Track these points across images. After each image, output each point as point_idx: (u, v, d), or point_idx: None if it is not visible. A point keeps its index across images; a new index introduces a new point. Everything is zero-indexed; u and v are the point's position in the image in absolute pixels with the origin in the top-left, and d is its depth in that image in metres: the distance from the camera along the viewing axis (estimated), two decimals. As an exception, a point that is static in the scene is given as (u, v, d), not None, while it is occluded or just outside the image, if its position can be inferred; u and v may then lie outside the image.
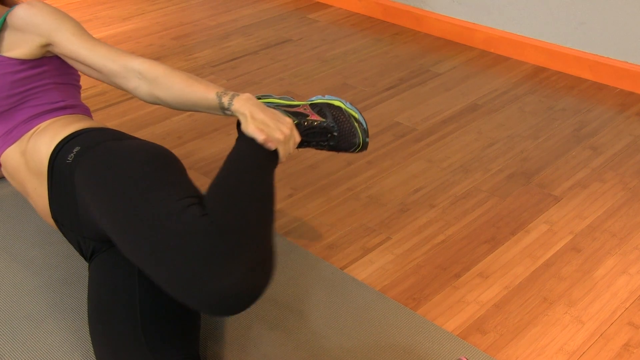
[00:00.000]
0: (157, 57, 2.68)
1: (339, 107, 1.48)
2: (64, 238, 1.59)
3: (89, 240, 1.34)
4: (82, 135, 1.38)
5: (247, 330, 1.38)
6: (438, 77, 2.50)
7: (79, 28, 1.44)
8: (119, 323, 1.17)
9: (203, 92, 1.33)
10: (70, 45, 1.42)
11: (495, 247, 1.63)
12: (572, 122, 2.18)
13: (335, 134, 1.47)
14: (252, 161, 1.25)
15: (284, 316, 1.42)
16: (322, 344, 1.35)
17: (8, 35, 1.43)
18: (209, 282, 1.00)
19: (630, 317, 1.43)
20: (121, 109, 2.29)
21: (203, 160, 2.00)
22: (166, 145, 2.07)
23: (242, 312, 1.43)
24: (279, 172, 1.94)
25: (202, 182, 1.88)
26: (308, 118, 1.45)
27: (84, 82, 2.49)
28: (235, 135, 2.13)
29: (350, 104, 1.51)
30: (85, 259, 1.39)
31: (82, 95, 2.40)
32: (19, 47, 1.42)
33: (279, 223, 1.72)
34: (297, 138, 1.36)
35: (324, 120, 1.45)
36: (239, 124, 1.46)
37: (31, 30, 1.41)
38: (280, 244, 1.64)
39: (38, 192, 1.42)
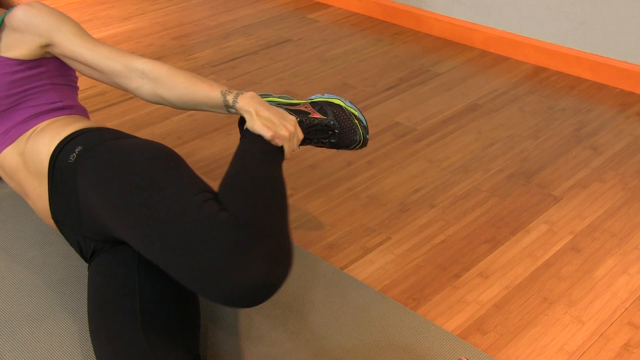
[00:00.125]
0: (157, 57, 2.68)
1: (339, 105, 1.50)
2: (64, 238, 1.59)
3: (89, 241, 1.34)
4: (83, 135, 1.38)
5: (247, 331, 1.38)
6: (438, 77, 2.50)
7: (79, 28, 1.45)
8: (120, 323, 1.17)
9: (207, 91, 1.35)
10: (71, 45, 1.42)
11: (495, 247, 1.63)
12: (572, 122, 2.18)
13: (337, 131, 1.49)
14: (261, 157, 1.28)
15: (284, 316, 1.42)
16: (322, 344, 1.35)
17: (6, 35, 1.43)
18: (233, 275, 1.01)
19: (630, 317, 1.43)
20: (121, 109, 2.29)
21: (203, 160, 2.00)
22: (166, 145, 2.07)
23: (242, 312, 1.43)
24: (279, 172, 1.94)
25: (202, 182, 1.87)
26: (310, 116, 1.47)
27: (83, 82, 2.49)
28: (235, 135, 2.13)
29: (350, 102, 1.53)
30: (85, 259, 1.39)
31: (82, 95, 2.40)
32: (18, 47, 1.42)
33: (279, 223, 1.72)
34: (301, 135, 1.40)
35: (325, 118, 1.47)
36: (240, 122, 1.47)
37: (30, 31, 1.41)
38: (280, 244, 1.64)
39: (38, 193, 1.42)
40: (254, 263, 1.02)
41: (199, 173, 1.93)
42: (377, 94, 2.38)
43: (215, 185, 1.86)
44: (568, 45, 2.50)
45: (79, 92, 2.41)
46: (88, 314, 1.25)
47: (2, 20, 1.43)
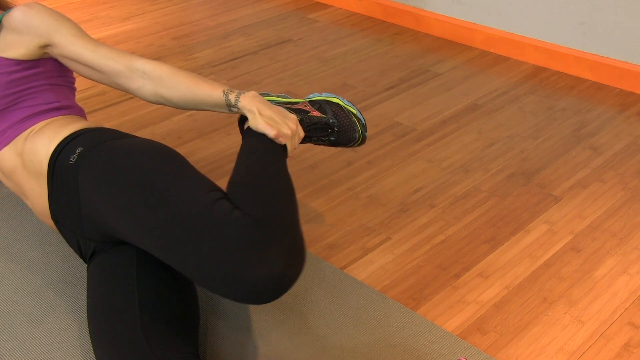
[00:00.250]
0: (157, 57, 2.68)
1: (337, 104, 1.52)
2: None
3: (90, 241, 1.34)
4: (83, 135, 1.38)
5: (247, 331, 1.38)
6: (438, 77, 2.50)
7: (79, 29, 1.45)
8: (119, 323, 1.17)
9: (209, 90, 1.36)
10: (72, 46, 1.42)
11: (495, 247, 1.63)
12: (572, 122, 2.18)
13: (336, 129, 1.51)
14: (267, 155, 1.29)
15: (284, 316, 1.42)
16: (322, 344, 1.35)
17: (4, 36, 1.43)
18: (250, 272, 1.03)
19: (630, 317, 1.43)
20: (121, 109, 2.29)
21: (203, 160, 2.00)
22: (166, 145, 2.07)
23: (242, 312, 1.43)
24: (279, 172, 1.94)
25: (202, 182, 1.87)
26: (309, 114, 1.48)
27: (83, 82, 2.49)
28: (235, 135, 2.13)
29: (348, 100, 1.55)
30: (85, 259, 1.39)
31: (82, 95, 2.40)
32: (15, 47, 1.42)
33: (279, 223, 1.72)
34: (302, 133, 1.42)
35: (324, 116, 1.49)
36: (240, 121, 1.47)
37: (29, 32, 1.41)
38: (280, 244, 1.64)
39: (37, 193, 1.42)
40: (271, 260, 1.04)
41: (199, 173, 1.93)
42: (377, 94, 2.38)
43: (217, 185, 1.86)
44: (568, 45, 2.50)
45: (78, 93, 2.41)
46: (87, 314, 1.25)
47: (0, 21, 1.43)
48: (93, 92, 2.42)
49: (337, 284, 1.51)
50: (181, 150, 2.05)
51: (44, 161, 1.39)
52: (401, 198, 1.82)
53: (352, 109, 1.52)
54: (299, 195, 1.83)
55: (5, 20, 1.43)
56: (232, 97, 1.35)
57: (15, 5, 1.48)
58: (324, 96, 1.54)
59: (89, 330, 1.23)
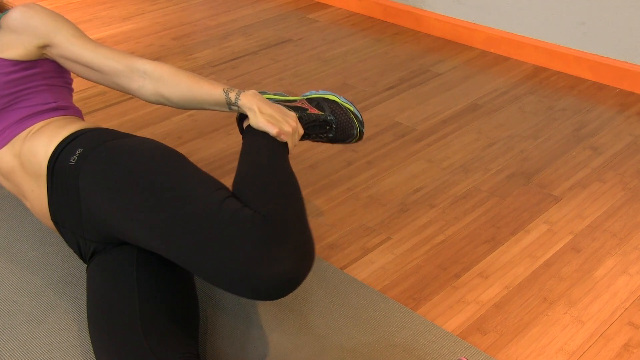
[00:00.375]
0: (157, 57, 2.68)
1: (334, 101, 1.54)
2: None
3: (90, 242, 1.34)
4: (82, 136, 1.38)
5: (247, 331, 1.38)
6: (438, 77, 2.50)
7: (78, 30, 1.46)
8: (119, 323, 1.17)
9: (209, 89, 1.38)
10: (71, 46, 1.42)
11: (495, 247, 1.63)
12: (572, 122, 2.18)
13: (334, 126, 1.52)
14: (270, 152, 1.30)
15: (284, 316, 1.42)
16: (322, 344, 1.35)
17: (1, 36, 1.43)
18: (263, 269, 1.04)
19: (630, 317, 1.43)
20: (121, 109, 2.29)
21: (203, 160, 2.00)
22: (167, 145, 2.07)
23: (242, 312, 1.43)
24: (279, 172, 1.94)
25: (202, 182, 1.87)
26: (307, 112, 1.49)
27: (83, 82, 2.49)
28: (235, 135, 2.13)
29: (344, 97, 1.56)
30: (84, 260, 1.39)
31: (82, 95, 2.40)
32: (13, 48, 1.42)
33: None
34: (301, 131, 1.43)
35: (322, 113, 1.50)
36: (239, 119, 1.48)
37: (28, 32, 1.41)
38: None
39: (36, 194, 1.41)
40: (283, 256, 1.05)
41: (199, 173, 1.93)
42: (377, 94, 2.38)
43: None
44: (568, 45, 2.50)
45: (79, 93, 2.41)
46: (87, 314, 1.25)
47: None
48: (93, 92, 2.42)
49: (337, 284, 1.51)
50: (181, 150, 2.05)
51: (43, 162, 1.38)
52: (401, 198, 1.82)
53: (349, 106, 1.53)
54: (299, 195, 1.83)
55: (3, 21, 1.43)
56: (232, 96, 1.36)
57: (14, 7, 1.48)
58: (320, 93, 1.55)
59: (89, 330, 1.23)
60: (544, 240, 1.65)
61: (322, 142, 1.56)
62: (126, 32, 2.94)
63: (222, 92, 1.37)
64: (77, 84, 2.47)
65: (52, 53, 1.45)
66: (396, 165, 1.96)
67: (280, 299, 1.46)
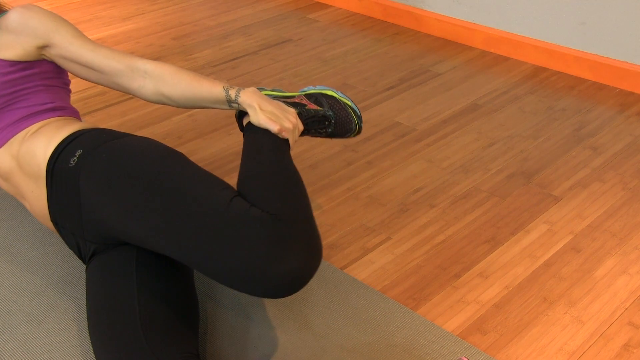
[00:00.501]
0: (157, 57, 2.68)
1: (332, 96, 1.55)
2: (64, 238, 1.59)
3: (90, 243, 1.34)
4: (81, 137, 1.38)
5: (247, 331, 1.38)
6: (438, 77, 2.50)
7: (77, 31, 1.47)
8: (119, 323, 1.17)
9: (209, 87, 1.39)
10: (71, 46, 1.42)
11: (495, 247, 1.63)
12: (572, 122, 2.18)
13: (333, 121, 1.53)
14: (273, 150, 1.31)
15: (284, 316, 1.42)
16: (322, 344, 1.35)
17: (0, 37, 1.43)
18: (273, 268, 1.05)
19: (630, 317, 1.43)
20: (121, 109, 2.29)
21: (203, 160, 2.00)
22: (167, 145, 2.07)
23: (242, 312, 1.43)
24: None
25: (202, 182, 1.87)
26: (306, 108, 1.49)
27: (83, 82, 2.49)
28: (235, 135, 2.13)
29: (341, 92, 1.56)
30: (84, 261, 1.39)
31: (82, 95, 2.40)
32: (12, 48, 1.42)
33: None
34: (301, 127, 1.44)
35: (321, 109, 1.51)
36: (239, 116, 1.48)
37: (27, 33, 1.41)
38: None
39: (35, 195, 1.41)
40: (294, 254, 1.06)
41: (199, 173, 1.93)
42: (377, 94, 2.38)
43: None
44: (568, 45, 2.50)
45: (79, 93, 2.41)
46: (87, 314, 1.25)
47: None
48: (93, 92, 2.42)
49: (337, 284, 1.51)
50: (181, 150, 2.05)
51: (42, 164, 1.38)
52: (401, 198, 1.82)
53: (347, 101, 1.54)
54: (299, 195, 1.83)
55: (2, 22, 1.43)
56: (232, 93, 1.37)
57: (12, 8, 1.48)
58: (318, 89, 1.55)
59: (89, 330, 1.23)
60: (544, 240, 1.65)
61: (321, 137, 1.56)
62: (126, 32, 2.94)
63: (222, 89, 1.37)
64: (77, 84, 2.47)
65: (52, 53, 1.45)
66: (396, 165, 1.96)
67: (280, 299, 1.46)
